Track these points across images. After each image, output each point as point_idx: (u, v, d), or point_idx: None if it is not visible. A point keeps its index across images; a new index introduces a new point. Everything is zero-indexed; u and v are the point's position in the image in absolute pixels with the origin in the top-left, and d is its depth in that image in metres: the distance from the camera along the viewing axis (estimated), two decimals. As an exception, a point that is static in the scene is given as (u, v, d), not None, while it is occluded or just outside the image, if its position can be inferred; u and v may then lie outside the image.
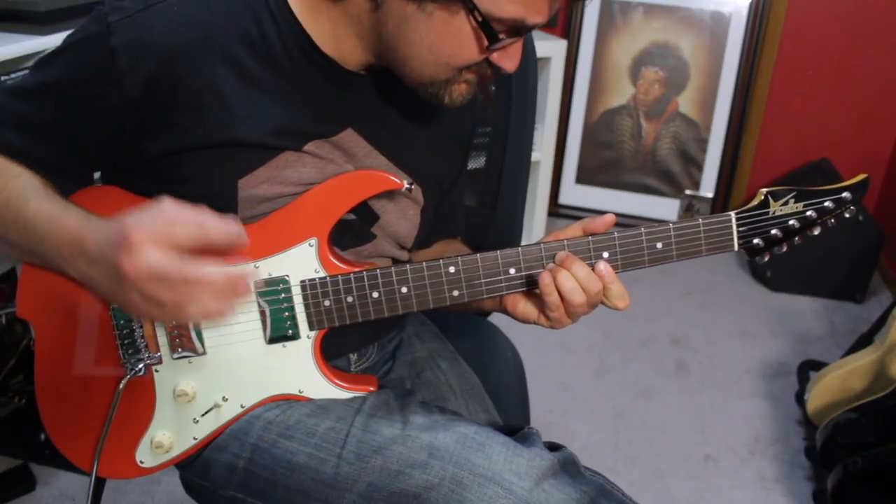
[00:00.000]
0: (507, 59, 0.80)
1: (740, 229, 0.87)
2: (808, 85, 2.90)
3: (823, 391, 1.90)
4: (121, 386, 0.87)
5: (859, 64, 2.82)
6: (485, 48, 0.77)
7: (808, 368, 2.20)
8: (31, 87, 0.82)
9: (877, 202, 2.91)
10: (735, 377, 2.26)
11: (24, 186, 0.80)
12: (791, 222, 0.86)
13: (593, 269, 0.84)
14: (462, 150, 1.04)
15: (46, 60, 0.83)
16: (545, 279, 0.83)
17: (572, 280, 0.83)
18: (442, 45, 0.77)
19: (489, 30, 0.75)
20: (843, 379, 1.86)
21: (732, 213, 0.87)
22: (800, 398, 2.08)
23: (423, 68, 0.80)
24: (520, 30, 0.78)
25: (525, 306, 0.90)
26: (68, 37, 0.82)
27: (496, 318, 1.36)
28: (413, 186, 0.93)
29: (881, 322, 1.95)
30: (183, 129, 0.81)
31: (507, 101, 1.28)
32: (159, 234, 0.69)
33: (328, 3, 0.82)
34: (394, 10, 0.77)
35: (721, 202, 3.03)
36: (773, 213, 0.86)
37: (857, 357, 1.88)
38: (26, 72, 0.85)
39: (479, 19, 0.74)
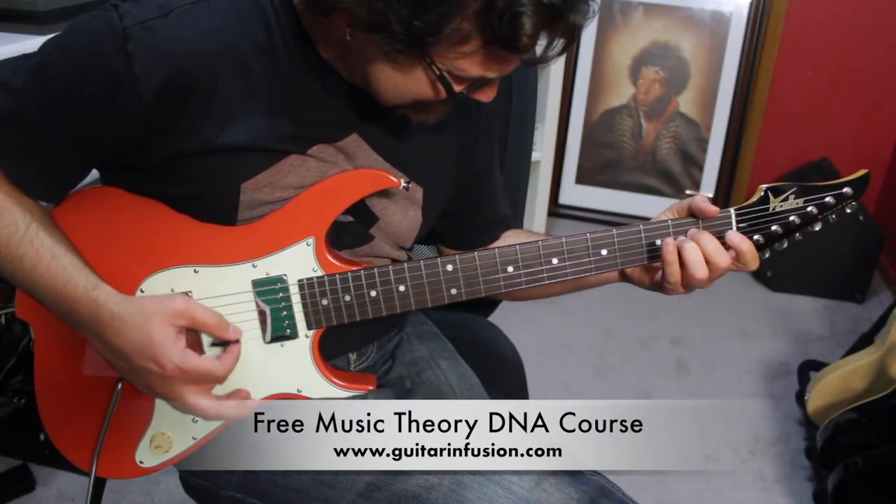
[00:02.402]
0: (482, 95, 0.80)
1: (740, 225, 0.87)
2: (808, 85, 2.89)
3: (824, 391, 1.90)
4: (119, 386, 0.87)
5: (859, 64, 2.82)
6: (448, 96, 0.78)
7: (809, 368, 2.20)
8: (32, 85, 0.79)
9: (877, 202, 2.91)
10: (735, 377, 2.26)
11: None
12: (792, 218, 0.86)
13: (723, 243, 0.85)
14: (466, 142, 1.02)
15: (47, 58, 0.80)
16: (668, 247, 0.85)
17: (698, 252, 0.84)
18: (408, 87, 0.78)
19: (447, 84, 0.76)
20: (843, 379, 1.86)
21: (732, 210, 0.86)
22: (800, 398, 2.08)
23: (389, 100, 0.81)
24: (482, 83, 0.78)
25: (642, 274, 0.93)
26: (69, 37, 0.79)
27: (496, 318, 1.36)
28: (411, 185, 0.93)
29: (881, 322, 1.95)
30: (192, 133, 0.81)
31: (507, 101, 1.28)
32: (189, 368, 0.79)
33: (322, 19, 0.82)
34: (361, 49, 0.77)
35: (721, 202, 3.03)
36: (774, 209, 0.86)
37: (857, 357, 1.87)
38: (18, 62, 0.81)
39: (437, 73, 0.75)
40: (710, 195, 3.02)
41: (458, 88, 0.77)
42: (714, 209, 0.86)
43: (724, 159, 3.00)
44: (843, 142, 2.90)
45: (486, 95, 0.80)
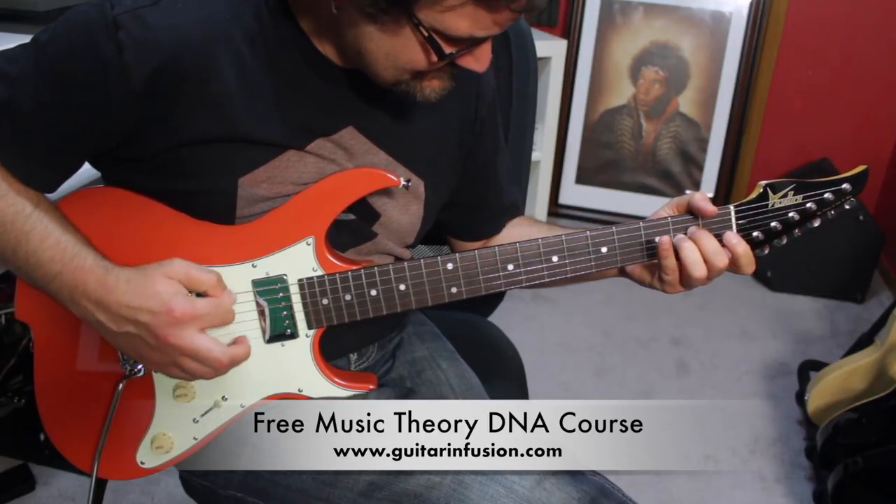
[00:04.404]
0: (475, 61, 0.79)
1: (739, 222, 0.87)
2: (808, 85, 2.90)
3: (824, 391, 1.90)
4: (120, 387, 0.87)
5: (859, 64, 2.82)
6: (439, 58, 0.77)
7: (809, 368, 2.20)
8: (26, 73, 0.79)
9: (877, 202, 2.91)
10: (735, 377, 2.26)
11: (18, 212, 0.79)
12: (791, 214, 0.86)
13: (720, 241, 0.85)
14: (468, 133, 1.01)
15: (41, 47, 0.79)
16: (664, 244, 0.85)
17: (697, 252, 0.84)
18: (397, 55, 0.77)
19: (436, 45, 0.75)
20: (843, 379, 1.86)
21: (731, 207, 0.87)
22: (800, 398, 2.08)
23: (385, 73, 0.80)
24: (472, 42, 0.77)
25: (642, 272, 0.92)
26: (62, 26, 0.79)
27: (496, 318, 1.36)
28: (411, 183, 0.93)
29: (882, 322, 1.95)
30: (187, 123, 0.81)
31: (507, 101, 1.28)
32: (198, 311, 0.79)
33: (312, 4, 0.82)
34: (349, 20, 0.77)
35: (721, 203, 3.01)
36: (773, 205, 0.86)
37: (857, 357, 1.87)
38: (15, 52, 0.82)
39: (426, 34, 0.74)
40: (711, 195, 3.02)
41: (448, 50, 0.76)
42: (713, 209, 0.86)
43: (724, 159, 3.00)
44: (843, 142, 2.91)
45: (479, 61, 0.79)
